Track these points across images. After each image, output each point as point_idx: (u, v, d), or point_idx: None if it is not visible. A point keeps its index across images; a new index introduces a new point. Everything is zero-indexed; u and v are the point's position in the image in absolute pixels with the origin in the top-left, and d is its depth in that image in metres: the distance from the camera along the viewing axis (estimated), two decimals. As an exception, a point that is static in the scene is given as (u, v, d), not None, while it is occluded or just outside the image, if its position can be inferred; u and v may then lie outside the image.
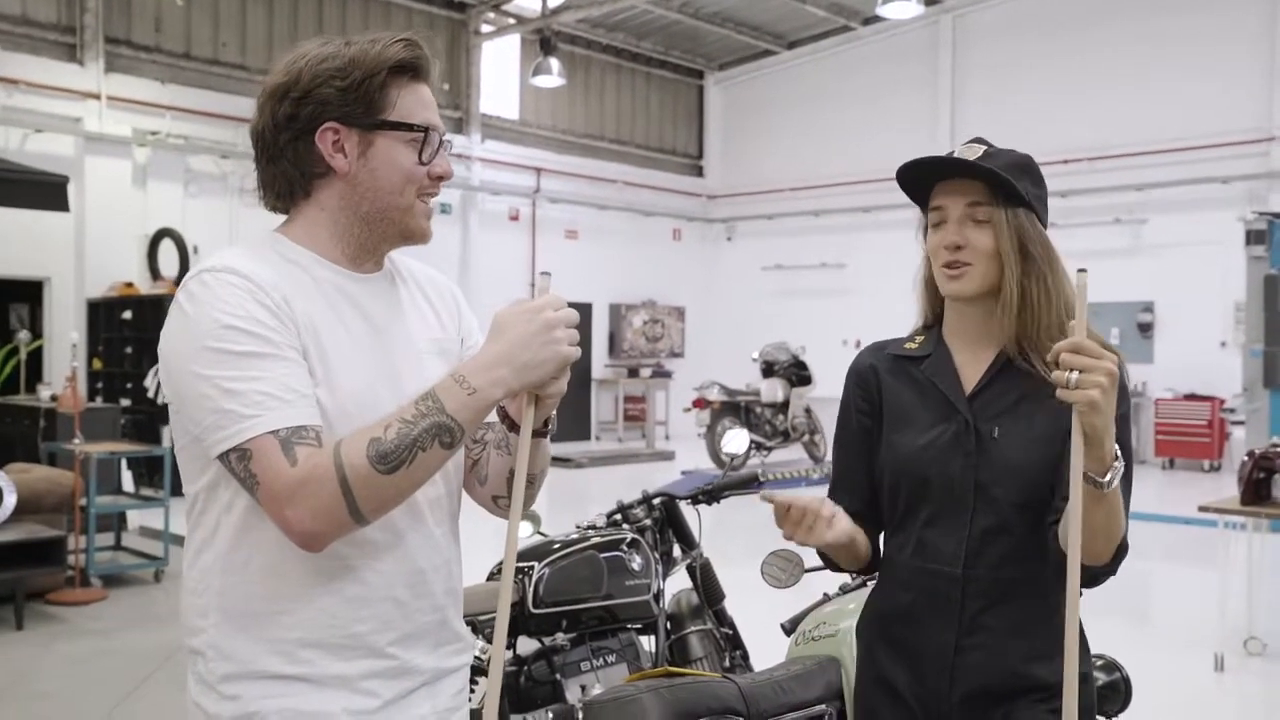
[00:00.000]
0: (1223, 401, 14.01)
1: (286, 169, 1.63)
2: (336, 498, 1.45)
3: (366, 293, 1.67)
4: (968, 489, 1.88)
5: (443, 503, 1.71)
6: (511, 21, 17.00)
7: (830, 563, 2.09)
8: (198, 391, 1.50)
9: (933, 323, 2.03)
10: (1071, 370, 1.59)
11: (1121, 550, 1.77)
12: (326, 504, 1.45)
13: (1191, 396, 14.37)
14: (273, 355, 1.50)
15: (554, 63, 15.81)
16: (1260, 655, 5.99)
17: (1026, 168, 1.90)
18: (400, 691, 1.64)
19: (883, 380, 2.02)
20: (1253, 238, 10.41)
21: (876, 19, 16.75)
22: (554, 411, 1.66)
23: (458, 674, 1.76)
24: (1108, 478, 1.65)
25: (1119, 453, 1.66)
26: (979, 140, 1.93)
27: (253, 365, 1.49)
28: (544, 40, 15.99)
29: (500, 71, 17.41)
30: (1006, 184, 1.85)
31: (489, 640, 3.26)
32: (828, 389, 15.29)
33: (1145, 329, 15.15)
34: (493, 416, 1.67)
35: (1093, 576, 1.82)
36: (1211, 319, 14.62)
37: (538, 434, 1.64)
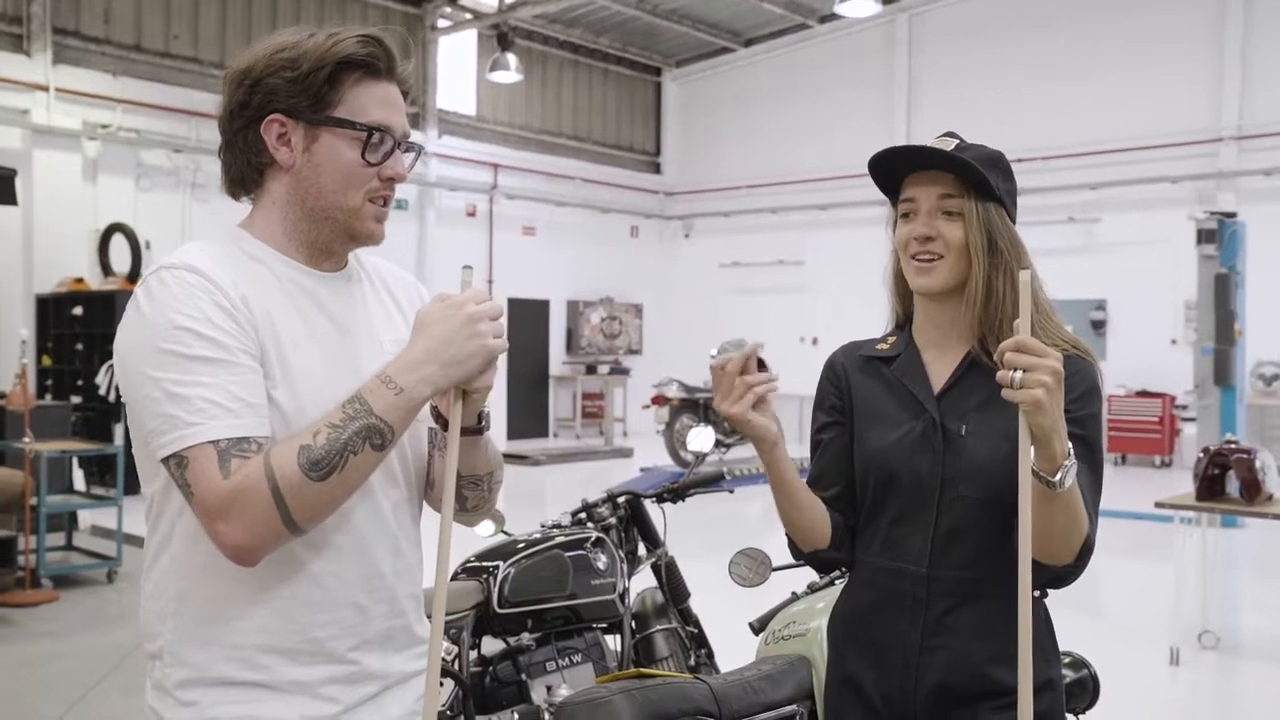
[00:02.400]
0: (1174, 398, 14.22)
1: (238, 156, 1.62)
2: (269, 509, 1.42)
3: (329, 291, 1.65)
4: (934, 486, 1.87)
5: (405, 506, 1.69)
6: (468, 17, 16.89)
7: (793, 545, 2.03)
8: (146, 393, 1.47)
9: (904, 322, 2.03)
10: (1015, 370, 1.57)
11: (1087, 549, 1.76)
12: (260, 516, 1.42)
13: (1143, 393, 14.56)
14: (224, 361, 1.47)
15: (511, 58, 15.73)
16: (1214, 649, 6.08)
17: (997, 162, 1.90)
18: (360, 697, 1.61)
19: (852, 378, 2.02)
20: (1203, 236, 10.55)
21: (833, 17, 16.83)
22: (487, 408, 1.64)
23: (421, 677, 1.73)
24: (1058, 477, 1.63)
25: (1071, 451, 1.64)
26: (951, 134, 1.93)
27: (202, 370, 1.46)
28: (501, 36, 15.90)
29: (457, 67, 17.30)
30: (979, 177, 1.85)
31: (453, 641, 3.23)
32: (786, 386, 15.28)
33: (1098, 326, 15.34)
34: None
35: (1058, 576, 1.82)
36: (1162, 317, 14.84)
37: (473, 431, 1.63)
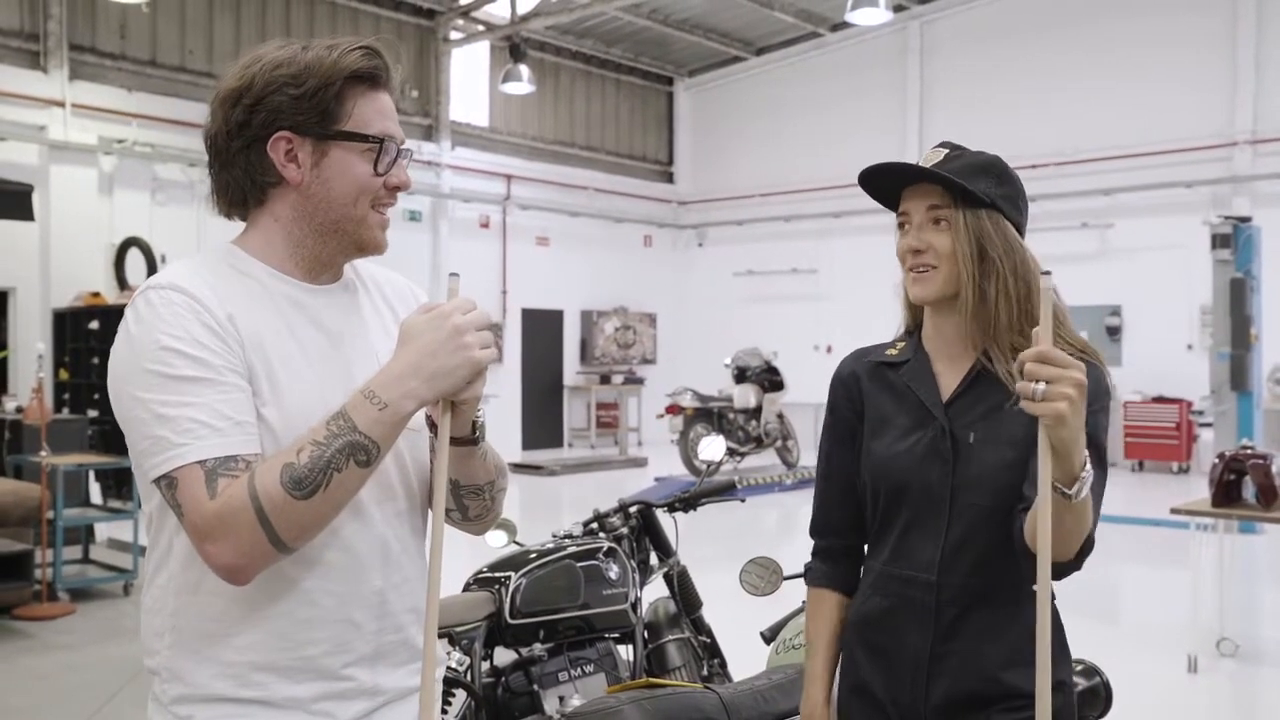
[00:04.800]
0: (1190, 404, 14.14)
1: (239, 176, 1.59)
2: (255, 529, 1.41)
3: (323, 304, 1.63)
4: (944, 495, 1.88)
5: (403, 519, 1.67)
6: (480, 28, 16.96)
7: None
8: (135, 415, 1.47)
9: (914, 329, 2.03)
10: (1037, 381, 1.53)
11: (1088, 545, 1.75)
12: (246, 536, 1.41)
13: (1159, 399, 14.51)
14: (210, 380, 1.47)
15: (523, 69, 15.79)
16: (1233, 656, 6.03)
17: (987, 167, 1.90)
18: (359, 712, 1.60)
19: (864, 387, 2.02)
20: (1218, 241, 10.51)
21: (845, 25, 16.82)
22: (480, 417, 1.61)
23: None
24: (1075, 489, 1.61)
25: (1088, 461, 1.62)
26: (945, 144, 1.94)
27: (188, 390, 1.45)
28: (513, 47, 15.96)
29: (470, 78, 17.36)
30: (960, 187, 1.85)
31: (465, 652, 3.24)
32: (800, 394, 15.39)
33: (1113, 332, 15.29)
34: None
35: (1058, 571, 1.81)
36: (1178, 322, 14.78)
37: (466, 441, 1.60)
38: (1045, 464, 1.56)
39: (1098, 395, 1.86)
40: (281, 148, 1.56)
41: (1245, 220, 10.86)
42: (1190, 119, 14.82)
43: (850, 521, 2.03)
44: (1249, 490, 5.73)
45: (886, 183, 1.95)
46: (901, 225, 1.94)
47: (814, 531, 2.10)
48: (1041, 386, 1.53)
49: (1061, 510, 1.64)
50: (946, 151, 1.90)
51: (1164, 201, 14.96)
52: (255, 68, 1.57)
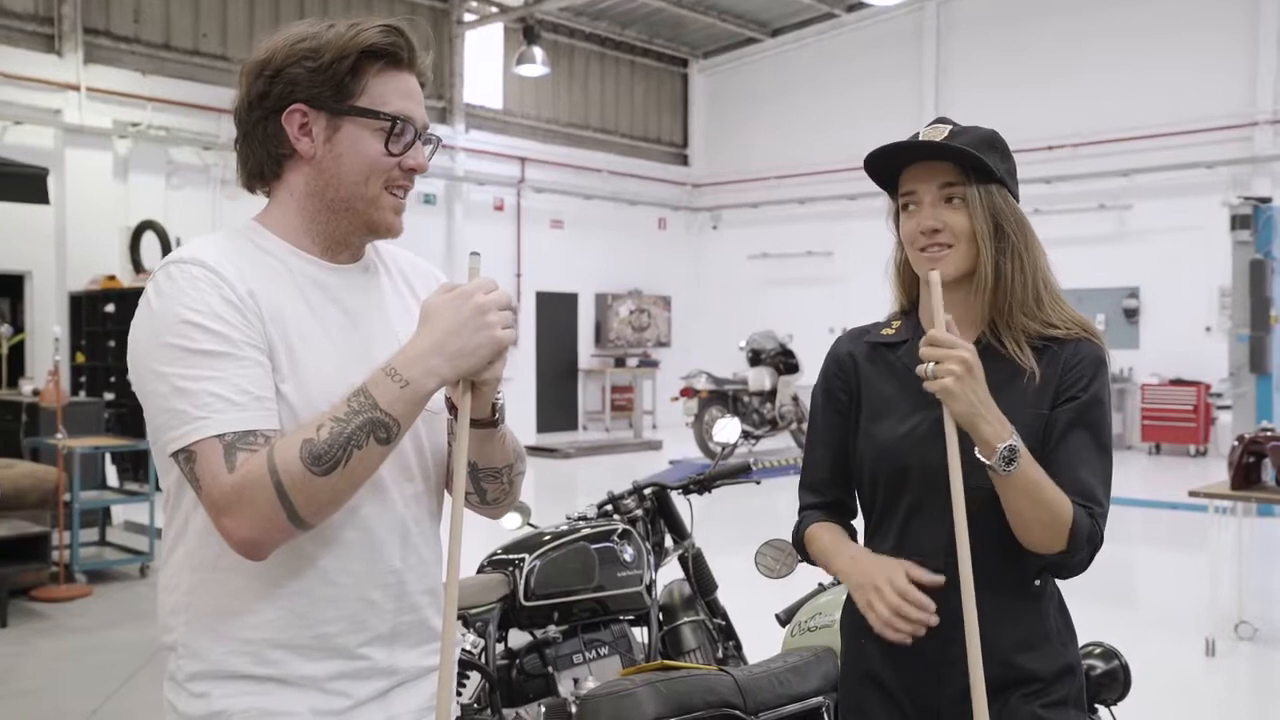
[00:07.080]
0: (1208, 387, 14.06)
1: (256, 148, 1.60)
2: (273, 504, 1.41)
3: (343, 284, 1.63)
4: (948, 478, 1.84)
5: (421, 500, 1.67)
6: (494, 10, 16.91)
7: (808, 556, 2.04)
8: (154, 388, 1.47)
9: (909, 308, 2.00)
10: (930, 362, 1.68)
11: (1078, 537, 1.74)
12: (264, 511, 1.41)
13: (1177, 382, 14.42)
14: (230, 354, 1.46)
15: (538, 52, 15.74)
16: (1251, 640, 6.00)
17: (993, 143, 1.87)
18: (374, 691, 1.60)
19: (861, 368, 1.99)
20: (1238, 223, 10.44)
21: (861, 5, 16.76)
22: (500, 399, 1.61)
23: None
24: (992, 461, 1.69)
25: (1014, 437, 1.69)
26: (943, 120, 1.91)
27: (208, 364, 1.45)
28: (527, 29, 15.92)
29: (484, 61, 17.32)
30: (978, 162, 1.82)
31: (480, 634, 3.24)
32: (815, 377, 15.28)
33: (1131, 315, 15.19)
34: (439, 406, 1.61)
35: (1057, 565, 1.81)
36: (1196, 304, 14.67)
37: (487, 423, 1.60)
38: (951, 438, 1.70)
39: (1095, 380, 1.84)
40: (296, 120, 1.57)
41: (1266, 201, 10.78)
42: (1210, 99, 14.67)
43: (843, 482, 2.01)
44: (1268, 473, 5.70)
45: (887, 163, 1.91)
46: (905, 206, 1.90)
47: (807, 488, 2.05)
48: (932, 366, 1.68)
49: (1002, 487, 1.72)
50: (950, 127, 1.87)
51: (1183, 182, 14.83)
52: (279, 41, 1.59)
